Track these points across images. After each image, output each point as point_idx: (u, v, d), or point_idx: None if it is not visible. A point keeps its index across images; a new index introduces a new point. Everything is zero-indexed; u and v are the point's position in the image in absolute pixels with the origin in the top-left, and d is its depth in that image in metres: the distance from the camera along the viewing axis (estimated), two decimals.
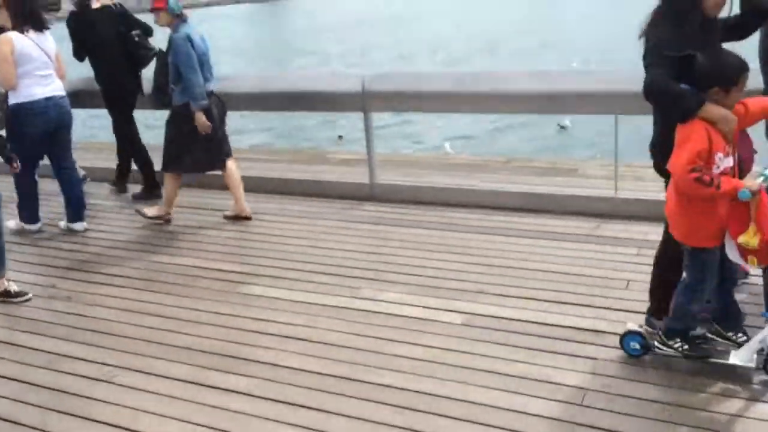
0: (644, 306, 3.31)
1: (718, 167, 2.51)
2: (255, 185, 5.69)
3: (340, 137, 11.58)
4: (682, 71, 2.55)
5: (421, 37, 26.19)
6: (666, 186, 2.81)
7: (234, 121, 13.77)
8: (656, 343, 2.86)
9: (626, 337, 2.94)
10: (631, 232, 4.23)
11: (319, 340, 3.30)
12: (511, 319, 3.34)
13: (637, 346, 2.91)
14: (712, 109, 2.50)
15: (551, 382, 2.82)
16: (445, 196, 5.05)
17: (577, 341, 3.11)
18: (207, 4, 69.35)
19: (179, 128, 4.80)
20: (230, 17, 50.91)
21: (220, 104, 4.97)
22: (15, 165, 4.17)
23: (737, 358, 2.73)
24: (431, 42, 24.74)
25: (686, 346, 2.80)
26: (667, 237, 2.87)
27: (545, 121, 11.01)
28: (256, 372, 3.07)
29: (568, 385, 2.80)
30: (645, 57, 2.67)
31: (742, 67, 2.51)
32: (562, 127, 11.00)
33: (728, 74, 2.51)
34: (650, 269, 3.70)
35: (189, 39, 4.63)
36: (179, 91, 4.74)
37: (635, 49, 2.77)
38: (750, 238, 2.50)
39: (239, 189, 5.02)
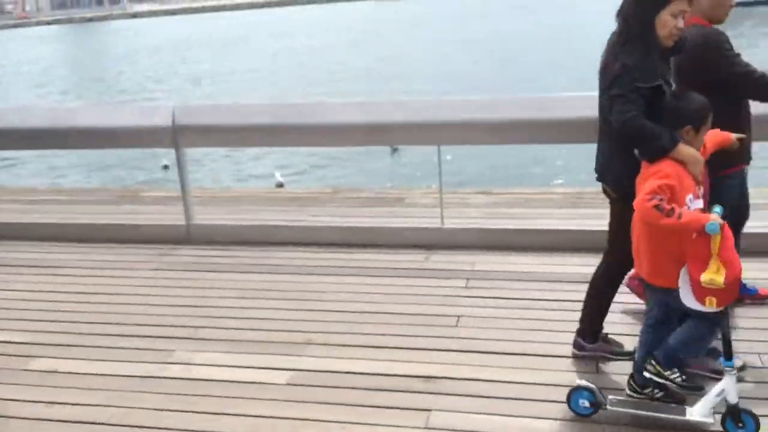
0: (476, 344, 3.23)
1: (689, 209, 2.40)
2: (52, 233, 5.00)
3: (166, 167, 10.79)
4: (651, 102, 2.50)
5: (250, 65, 25.63)
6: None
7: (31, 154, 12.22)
8: (627, 390, 2.66)
9: (574, 394, 2.61)
10: (458, 263, 4.17)
11: (119, 422, 2.81)
12: (339, 372, 3.08)
13: (587, 404, 2.58)
14: (683, 150, 2.45)
15: None
16: (269, 235, 4.72)
17: (410, 391, 2.91)
18: (15, 26, 63.22)
19: None
20: (42, 39, 46.95)
21: None
22: None
23: (694, 413, 2.49)
24: (259, 68, 24.35)
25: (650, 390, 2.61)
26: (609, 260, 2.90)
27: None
28: None
29: None
30: (610, 86, 2.56)
31: (709, 106, 2.50)
32: (395, 150, 11.16)
33: (700, 113, 2.48)
34: (479, 301, 3.70)
35: None
36: None
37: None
38: (714, 275, 2.27)
39: None
